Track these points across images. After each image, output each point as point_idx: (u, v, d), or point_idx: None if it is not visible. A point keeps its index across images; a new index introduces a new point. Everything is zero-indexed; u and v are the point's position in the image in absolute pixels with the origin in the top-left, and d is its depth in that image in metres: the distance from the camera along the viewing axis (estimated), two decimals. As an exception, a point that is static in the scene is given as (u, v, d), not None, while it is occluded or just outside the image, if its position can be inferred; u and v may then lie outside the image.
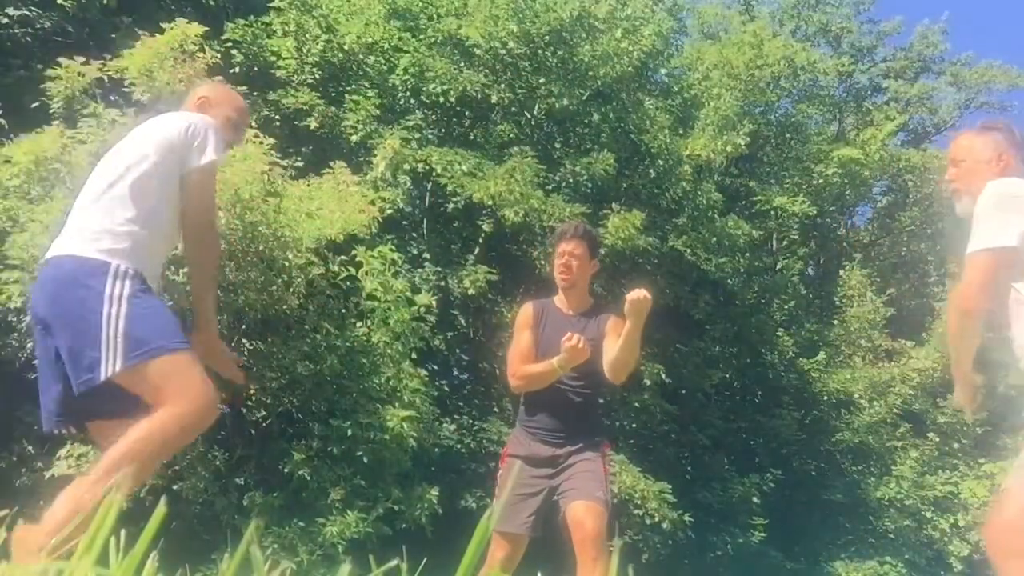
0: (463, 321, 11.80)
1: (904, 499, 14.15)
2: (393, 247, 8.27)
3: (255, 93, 9.78)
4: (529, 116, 12.45)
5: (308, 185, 7.80)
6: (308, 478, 7.04)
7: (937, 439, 14.69)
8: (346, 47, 11.15)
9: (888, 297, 16.04)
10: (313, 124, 10.51)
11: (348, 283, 7.89)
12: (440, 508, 7.70)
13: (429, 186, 11.33)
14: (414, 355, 8.21)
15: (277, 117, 10.26)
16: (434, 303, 8.59)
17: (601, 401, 3.61)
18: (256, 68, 10.72)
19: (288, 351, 7.30)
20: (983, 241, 2.47)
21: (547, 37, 11.83)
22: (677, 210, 12.98)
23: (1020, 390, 2.48)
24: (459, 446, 10.32)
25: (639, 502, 10.20)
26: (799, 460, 14.63)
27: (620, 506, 9.71)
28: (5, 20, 9.76)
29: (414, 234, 11.64)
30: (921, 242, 18.60)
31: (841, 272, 17.11)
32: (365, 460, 7.23)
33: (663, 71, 14.85)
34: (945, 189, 2.83)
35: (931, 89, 20.73)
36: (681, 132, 13.45)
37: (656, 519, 10.29)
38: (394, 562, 1.00)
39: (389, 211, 9.02)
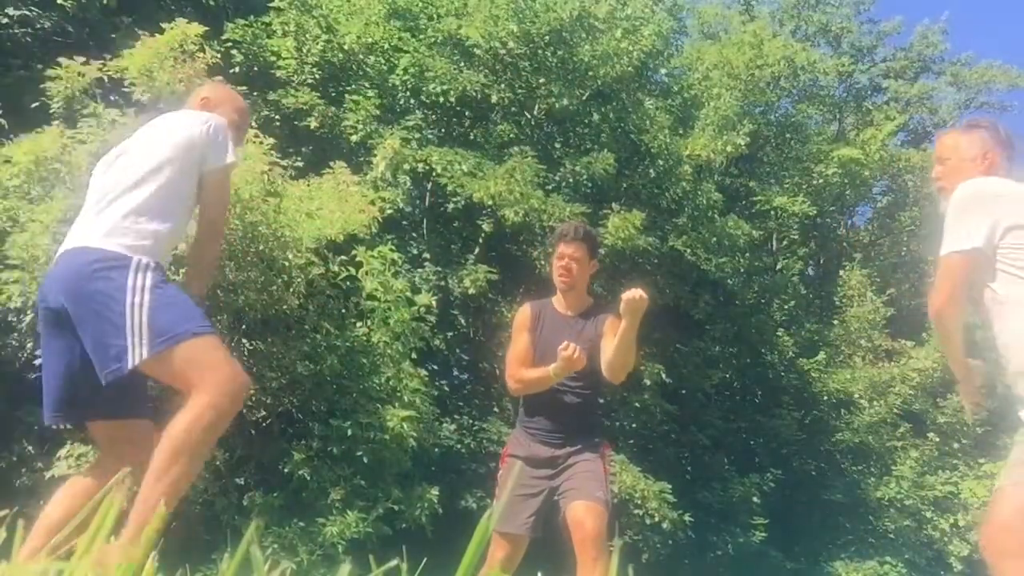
0: (463, 321, 11.80)
1: (904, 499, 14.15)
2: (393, 247, 8.27)
3: (255, 93, 9.78)
4: (529, 116, 12.45)
5: (308, 185, 7.80)
6: (308, 478, 7.04)
7: (937, 439, 14.69)
8: (346, 47, 11.15)
9: (888, 297, 16.03)
10: (313, 124, 10.51)
11: (348, 283, 7.89)
12: (440, 508, 7.70)
13: (429, 186, 11.33)
14: (414, 355, 8.21)
15: (277, 117, 10.26)
16: (434, 303, 8.59)
17: (601, 401, 3.62)
18: (256, 68, 10.72)
19: (288, 351, 7.29)
20: (950, 244, 2.50)
21: (547, 37, 11.83)
22: (677, 210, 12.98)
23: (1006, 387, 2.48)
24: (459, 446, 10.32)
25: (639, 502, 10.20)
26: (799, 460, 14.63)
27: (620, 506, 9.71)
28: (5, 20, 9.76)
29: (414, 234, 11.64)
30: (921, 242, 18.58)
31: (841, 272, 17.11)
32: (365, 460, 7.23)
33: (663, 71, 14.85)
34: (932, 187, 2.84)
35: (931, 89, 20.72)
36: (681, 132, 13.45)
37: (656, 519, 10.29)
38: (394, 562, 1.00)
39: (389, 211, 9.02)
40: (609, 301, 3.37)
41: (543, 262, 10.40)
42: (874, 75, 20.62)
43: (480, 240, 11.33)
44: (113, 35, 9.82)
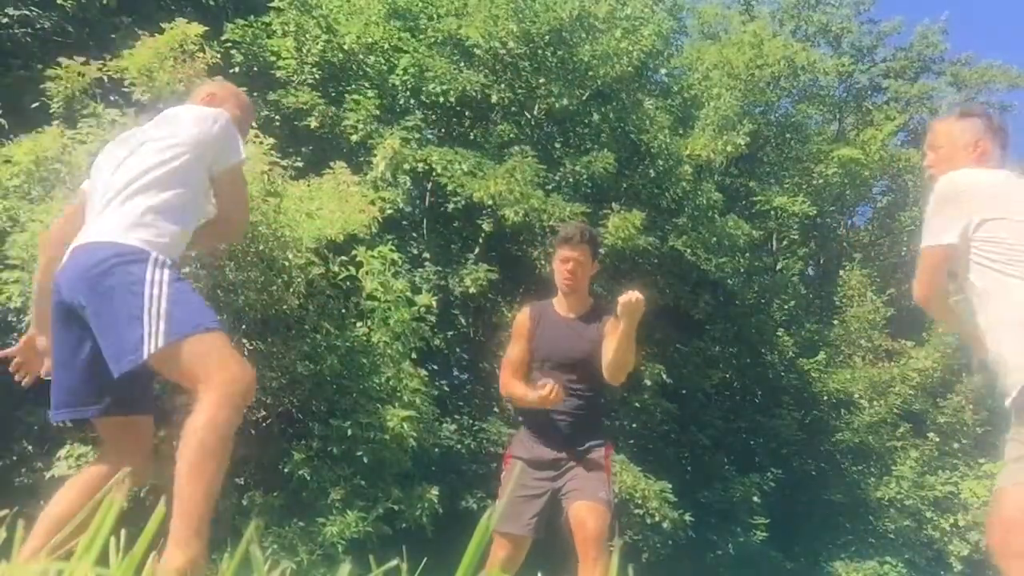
0: (463, 321, 11.80)
1: (904, 499, 14.16)
2: (393, 247, 8.27)
3: (255, 93, 9.77)
4: (529, 116, 12.46)
5: (308, 185, 7.80)
6: (308, 478, 7.04)
7: (937, 439, 14.70)
8: (346, 47, 11.15)
9: (888, 297, 16.03)
10: (313, 124, 10.52)
11: (348, 283, 7.89)
12: (440, 508, 7.71)
13: (429, 186, 11.33)
14: (414, 355, 8.21)
15: (277, 117, 10.26)
16: (434, 303, 8.58)
17: (602, 402, 3.62)
18: (256, 68, 10.72)
19: (288, 351, 7.29)
20: (927, 238, 2.55)
21: (547, 37, 11.84)
22: (677, 210, 12.98)
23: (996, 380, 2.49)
24: (459, 446, 10.32)
25: (639, 502, 10.20)
26: (799, 460, 14.64)
27: (620, 506, 9.71)
28: (5, 20, 9.77)
29: (414, 234, 11.64)
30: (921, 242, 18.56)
31: (841, 272, 17.12)
32: (365, 460, 7.23)
33: (663, 71, 14.86)
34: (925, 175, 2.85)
35: (931, 89, 20.71)
36: (681, 132, 13.46)
37: (656, 519, 10.29)
38: (394, 562, 1.00)
39: (389, 211, 9.02)
40: (609, 301, 3.37)
41: (543, 262, 10.40)
42: (874, 75, 20.63)
43: (480, 240, 11.33)
44: (113, 35, 9.83)
